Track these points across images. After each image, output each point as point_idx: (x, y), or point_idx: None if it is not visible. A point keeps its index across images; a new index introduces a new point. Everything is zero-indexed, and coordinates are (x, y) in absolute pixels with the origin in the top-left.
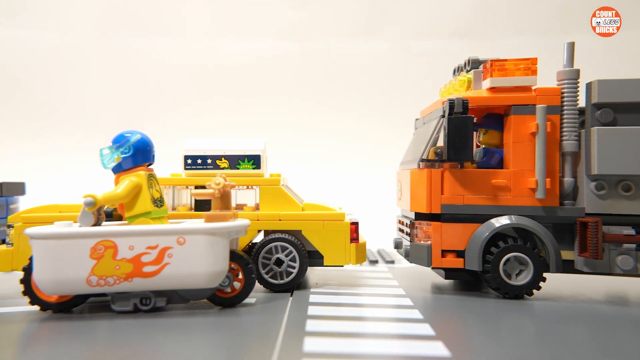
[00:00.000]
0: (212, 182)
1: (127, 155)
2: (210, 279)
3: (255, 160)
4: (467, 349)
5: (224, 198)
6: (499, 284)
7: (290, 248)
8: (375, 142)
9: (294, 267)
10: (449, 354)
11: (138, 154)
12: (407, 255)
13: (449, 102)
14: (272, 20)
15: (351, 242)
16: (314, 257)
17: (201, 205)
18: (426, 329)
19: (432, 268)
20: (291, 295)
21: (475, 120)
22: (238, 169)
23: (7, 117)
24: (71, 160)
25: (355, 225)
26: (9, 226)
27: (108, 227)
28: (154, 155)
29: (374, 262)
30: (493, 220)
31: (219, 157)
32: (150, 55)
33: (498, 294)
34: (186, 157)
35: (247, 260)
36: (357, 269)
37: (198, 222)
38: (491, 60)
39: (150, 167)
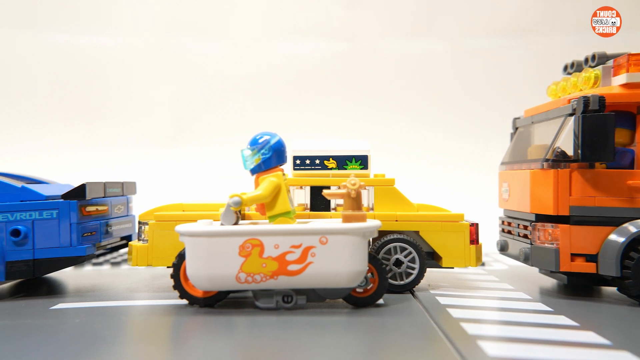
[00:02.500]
0: (348, 183)
1: (267, 156)
2: (351, 279)
3: (362, 161)
4: None
5: (358, 198)
6: None
7: (410, 249)
8: (427, 144)
9: (413, 268)
10: None
11: (277, 155)
12: (527, 259)
13: (583, 100)
14: (325, 20)
15: (471, 243)
16: (429, 258)
17: (317, 206)
18: (593, 337)
19: (550, 271)
20: (415, 297)
21: None
22: (345, 169)
23: (65, 119)
24: (130, 160)
25: (474, 226)
26: (142, 223)
27: (255, 225)
28: (286, 156)
29: None
30: (630, 224)
31: (327, 158)
32: (204, 57)
33: (637, 301)
34: (295, 158)
35: (381, 261)
36: (451, 270)
37: (331, 222)
38: (628, 55)
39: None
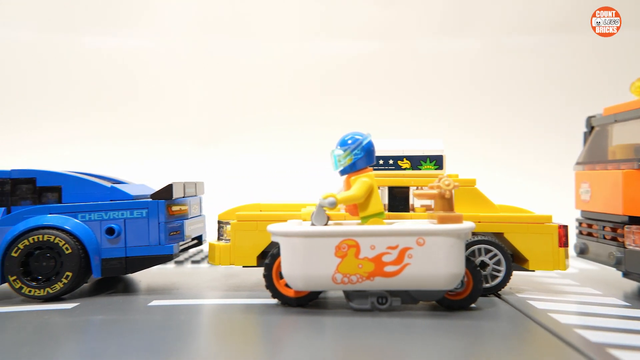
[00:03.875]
0: (442, 183)
1: (359, 157)
2: (449, 281)
3: (437, 161)
4: None
5: (451, 199)
6: None
7: (495, 251)
8: (470, 147)
9: (499, 271)
10: None
11: (368, 156)
12: (619, 263)
13: None
14: (360, 20)
15: (560, 246)
16: (513, 261)
17: (395, 206)
18: None
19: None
20: (504, 301)
21: None
22: (419, 169)
23: (103, 121)
24: (165, 157)
25: (564, 228)
26: (223, 223)
27: (350, 226)
28: (375, 157)
29: None
30: None
31: (401, 158)
32: (240, 58)
33: None
34: None
35: (475, 263)
36: (524, 273)
37: (422, 223)
38: None
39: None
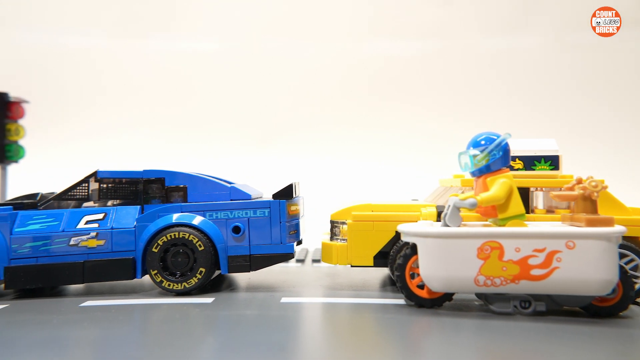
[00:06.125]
0: (588, 184)
1: (496, 157)
2: (602, 287)
3: (553, 161)
4: None
5: (596, 201)
6: None
7: (632, 256)
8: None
9: (637, 277)
10: None
11: (505, 156)
12: None
13: None
14: (418, 19)
15: None
16: None
17: None
18: None
19: None
20: None
21: None
22: (533, 169)
23: (165, 122)
24: (220, 156)
25: None
26: (337, 223)
27: (493, 228)
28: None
29: None
30: None
31: (513, 158)
32: (294, 58)
33: None
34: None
35: (625, 269)
36: None
37: (561, 225)
38: None
39: None
